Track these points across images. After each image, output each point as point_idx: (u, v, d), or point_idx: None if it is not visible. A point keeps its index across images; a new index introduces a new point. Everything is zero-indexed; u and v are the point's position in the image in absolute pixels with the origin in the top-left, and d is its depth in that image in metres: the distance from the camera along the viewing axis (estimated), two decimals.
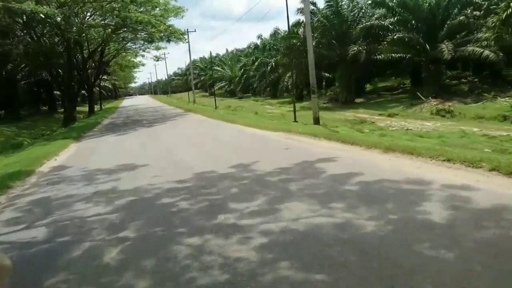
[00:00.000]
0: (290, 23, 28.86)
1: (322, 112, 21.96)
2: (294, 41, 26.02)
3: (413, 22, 21.99)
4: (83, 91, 35.17)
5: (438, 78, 22.03)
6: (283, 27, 37.10)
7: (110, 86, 63.39)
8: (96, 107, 41.03)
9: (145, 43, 26.16)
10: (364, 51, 21.95)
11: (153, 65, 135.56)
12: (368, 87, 33.86)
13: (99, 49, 27.45)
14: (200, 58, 70.43)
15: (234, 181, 5.46)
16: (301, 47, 25.39)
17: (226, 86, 52.29)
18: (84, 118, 29.07)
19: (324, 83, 35.76)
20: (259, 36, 43.07)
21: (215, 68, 52.06)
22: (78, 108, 39.17)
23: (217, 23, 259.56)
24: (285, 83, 32.97)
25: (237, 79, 47.27)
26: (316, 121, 14.07)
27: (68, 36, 17.74)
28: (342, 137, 7.86)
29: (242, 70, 45.11)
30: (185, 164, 7.15)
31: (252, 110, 25.13)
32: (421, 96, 19.59)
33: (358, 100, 26.74)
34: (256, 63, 36.33)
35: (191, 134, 12.73)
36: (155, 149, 9.84)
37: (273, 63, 33.92)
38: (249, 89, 48.73)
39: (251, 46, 45.59)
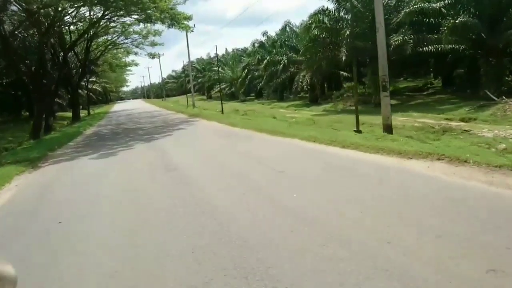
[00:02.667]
0: (308, 13, 24.61)
1: (360, 116, 17.88)
2: (317, 32, 21.90)
3: (466, 5, 18.01)
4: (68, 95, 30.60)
5: (500, 73, 18.05)
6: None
7: (100, 89, 58.58)
8: (85, 113, 36.54)
9: (141, 24, 21.48)
10: (410, 42, 17.81)
11: (146, 67, 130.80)
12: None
13: (82, 39, 22.91)
14: (197, 59, 65.96)
15: None
16: (328, 38, 21.32)
17: (227, 88, 48.03)
18: (67, 125, 24.58)
19: (331, 85, 31.82)
20: (264, 33, 38.81)
21: (215, 68, 47.83)
22: (62, 114, 34.70)
23: (211, 27, 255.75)
24: (300, 83, 28.82)
25: (239, 80, 43.09)
26: (388, 129, 9.90)
27: (29, 8, 13.25)
28: None
29: (246, 70, 40.90)
30: None
31: (268, 115, 20.89)
32: (492, 96, 15.52)
33: (392, 102, 22.75)
34: (265, 62, 32.09)
35: (227, 158, 7.67)
36: (173, 203, 4.82)
37: (286, 61, 29.77)
38: (251, 91, 44.65)
39: (255, 44, 41.30)
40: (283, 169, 6.00)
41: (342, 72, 29.12)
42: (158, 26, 23.21)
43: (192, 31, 20.10)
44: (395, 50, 18.39)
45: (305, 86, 28.43)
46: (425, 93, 27.27)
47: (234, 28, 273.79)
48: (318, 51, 21.71)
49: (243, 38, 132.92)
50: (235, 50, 54.51)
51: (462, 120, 13.45)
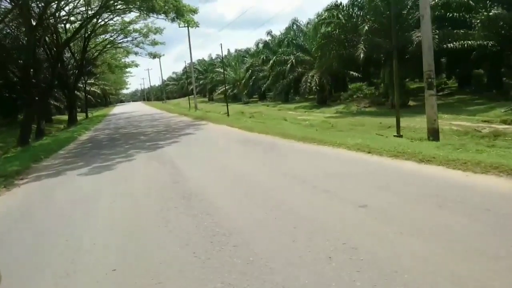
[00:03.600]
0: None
1: (381, 118, 16.45)
2: (331, 28, 20.50)
3: None
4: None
5: None
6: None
7: (99, 92, 57.09)
8: (83, 116, 35.10)
9: (141, 21, 20.06)
10: (436, 38, 16.33)
11: (146, 69, 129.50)
12: None
13: (78, 35, 21.40)
14: (198, 60, 64.51)
15: None
16: (342, 35, 19.90)
17: (229, 90, 46.67)
18: (63, 129, 23.10)
19: (337, 86, 30.37)
20: (269, 32, 37.43)
21: (217, 70, 46.47)
22: (59, 117, 33.23)
23: (211, 30, 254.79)
24: (308, 84, 27.35)
25: (243, 81, 41.66)
26: (434, 134, 8.46)
27: None
28: None
29: (250, 71, 39.46)
30: None
31: (277, 117, 19.42)
32: None
33: (411, 103, 21.38)
34: (271, 61, 30.70)
35: (268, 181, 5.30)
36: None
37: (293, 60, 28.33)
38: (255, 93, 43.28)
39: (259, 44, 39.91)
40: (362, 201, 3.88)
41: (352, 72, 27.74)
42: (160, 23, 21.78)
43: (198, 26, 18.66)
44: (418, 46, 16.97)
45: (314, 87, 26.97)
46: (440, 93, 25.85)
47: (235, 30, 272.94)
48: (332, 48, 20.28)
49: (244, 40, 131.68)
50: (237, 51, 53.12)
51: (504, 122, 12.02)
